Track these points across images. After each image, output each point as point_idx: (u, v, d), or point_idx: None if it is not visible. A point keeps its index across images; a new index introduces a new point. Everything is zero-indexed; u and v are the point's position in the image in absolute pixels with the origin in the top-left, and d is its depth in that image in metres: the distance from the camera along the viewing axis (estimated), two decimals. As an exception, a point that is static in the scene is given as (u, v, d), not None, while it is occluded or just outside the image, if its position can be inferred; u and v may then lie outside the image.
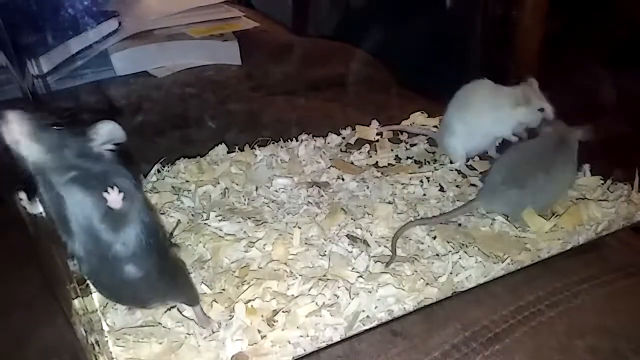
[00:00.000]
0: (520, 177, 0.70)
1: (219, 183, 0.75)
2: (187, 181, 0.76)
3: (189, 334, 0.54)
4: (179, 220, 0.68)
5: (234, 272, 0.61)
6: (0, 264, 0.63)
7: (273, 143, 0.86)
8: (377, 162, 0.85)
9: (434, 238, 0.67)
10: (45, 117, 0.42)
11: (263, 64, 1.16)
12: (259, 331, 0.54)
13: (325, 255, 0.63)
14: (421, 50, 1.14)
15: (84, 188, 0.42)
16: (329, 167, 0.82)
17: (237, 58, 1.12)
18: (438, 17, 1.20)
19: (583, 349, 0.56)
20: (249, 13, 1.25)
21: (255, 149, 0.84)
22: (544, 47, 1.04)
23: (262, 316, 0.55)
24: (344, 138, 0.91)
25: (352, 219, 0.70)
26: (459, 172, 0.82)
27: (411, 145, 0.90)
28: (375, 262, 0.62)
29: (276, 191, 0.76)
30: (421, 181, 0.79)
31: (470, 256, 0.64)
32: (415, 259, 0.63)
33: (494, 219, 0.71)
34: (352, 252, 0.64)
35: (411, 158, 0.86)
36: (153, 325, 0.55)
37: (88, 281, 0.47)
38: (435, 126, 0.94)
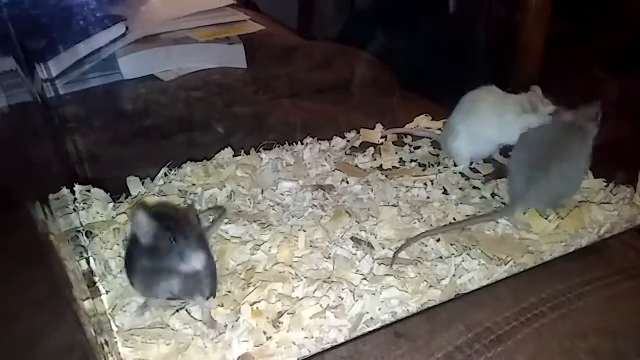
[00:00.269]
0: (545, 168, 0.70)
1: (225, 186, 0.76)
2: (193, 184, 0.77)
3: (196, 336, 0.54)
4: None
5: (240, 274, 0.61)
6: (11, 266, 0.64)
7: (278, 146, 0.86)
8: (381, 165, 0.85)
9: (438, 241, 0.68)
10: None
11: (268, 67, 1.17)
12: (265, 332, 0.55)
13: (329, 257, 0.64)
14: (425, 53, 1.14)
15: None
16: (333, 170, 0.82)
17: (243, 61, 1.13)
18: (442, 21, 1.20)
19: (585, 351, 0.56)
20: (254, 16, 1.26)
21: (260, 152, 0.84)
22: (547, 50, 1.04)
23: (267, 318, 0.56)
24: (348, 141, 0.91)
25: (356, 221, 0.70)
26: (462, 175, 0.83)
27: (415, 148, 0.91)
28: (379, 264, 0.63)
29: (281, 194, 0.76)
30: (425, 184, 0.79)
31: (473, 259, 0.64)
32: (419, 261, 0.64)
33: (497, 222, 0.71)
34: (356, 254, 0.65)
35: (415, 161, 0.87)
36: (161, 327, 0.55)
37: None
38: (439, 129, 0.94)
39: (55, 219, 0.56)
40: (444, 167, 0.85)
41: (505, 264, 0.64)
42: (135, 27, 1.05)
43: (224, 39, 1.14)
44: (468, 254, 0.65)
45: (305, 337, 0.55)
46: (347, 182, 0.80)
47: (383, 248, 0.66)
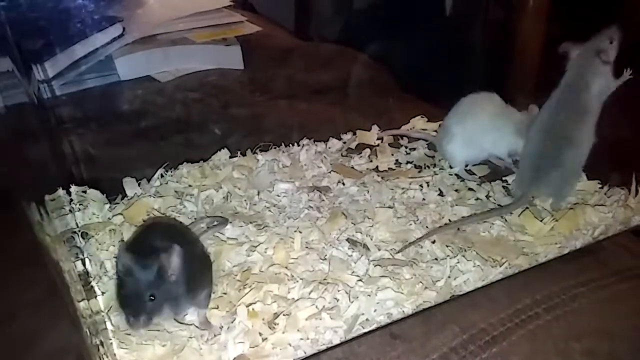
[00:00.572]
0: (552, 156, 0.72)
1: (221, 187, 0.76)
2: (190, 186, 0.77)
3: (191, 337, 0.55)
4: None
5: (236, 275, 0.62)
6: (7, 267, 0.64)
7: (275, 148, 0.87)
8: (377, 166, 0.85)
9: (433, 242, 0.68)
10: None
11: (265, 69, 1.17)
12: (260, 334, 0.55)
13: (325, 259, 0.64)
14: (422, 54, 1.15)
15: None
16: (330, 172, 0.82)
17: (240, 62, 1.13)
18: (439, 22, 1.20)
19: (580, 352, 0.57)
20: (251, 17, 1.26)
21: (257, 153, 0.84)
22: (544, 52, 1.04)
23: (263, 319, 0.56)
24: (344, 143, 0.91)
25: (352, 223, 0.70)
26: (458, 176, 0.83)
27: (411, 150, 0.91)
28: (375, 266, 0.63)
29: (278, 195, 0.76)
30: (421, 186, 0.80)
31: (468, 260, 0.64)
32: (414, 262, 0.64)
33: (492, 223, 0.72)
34: (352, 256, 0.65)
35: (411, 162, 0.87)
36: (158, 330, 0.55)
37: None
38: (435, 131, 0.94)
39: (51, 220, 0.56)
40: (440, 169, 0.85)
41: (501, 266, 0.64)
42: (132, 28, 1.05)
43: (221, 40, 1.14)
44: (463, 256, 0.65)
45: (301, 339, 0.55)
46: (343, 184, 0.80)
47: (379, 249, 0.66)
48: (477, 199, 0.78)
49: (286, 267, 0.62)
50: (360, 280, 0.61)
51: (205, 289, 0.56)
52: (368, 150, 0.89)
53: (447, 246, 0.67)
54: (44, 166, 0.63)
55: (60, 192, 0.65)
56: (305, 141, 0.89)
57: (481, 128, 0.82)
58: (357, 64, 1.19)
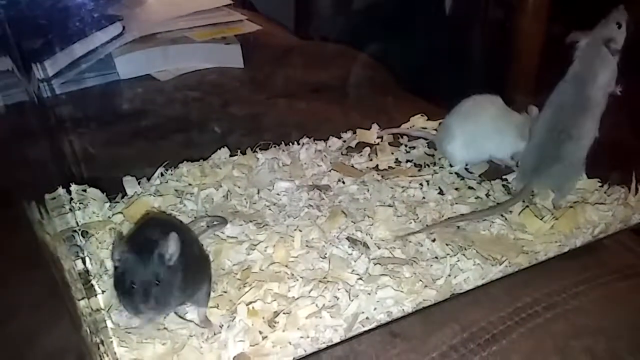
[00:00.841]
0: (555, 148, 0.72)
1: (221, 186, 0.76)
2: (189, 184, 0.77)
3: (192, 336, 0.55)
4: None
5: (236, 274, 0.62)
6: (7, 266, 0.64)
7: (275, 146, 0.87)
8: (377, 165, 0.85)
9: (433, 241, 0.68)
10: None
11: (265, 67, 1.17)
12: (260, 332, 0.55)
13: (325, 257, 0.64)
14: (422, 53, 1.15)
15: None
16: (329, 171, 0.82)
17: (240, 61, 1.14)
18: (439, 21, 1.20)
19: (579, 350, 0.57)
20: (251, 16, 1.26)
21: (257, 152, 0.84)
22: (543, 52, 1.04)
23: (263, 317, 0.56)
24: (344, 141, 0.91)
25: (352, 221, 0.70)
26: (458, 175, 0.83)
27: (411, 148, 0.91)
28: (375, 264, 0.63)
29: (278, 194, 0.76)
30: (421, 184, 0.80)
31: (468, 258, 0.64)
32: (415, 261, 0.64)
33: (493, 222, 0.72)
34: (352, 254, 0.65)
35: (411, 161, 0.87)
36: (158, 329, 0.55)
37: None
38: (435, 129, 0.94)
39: (52, 219, 0.56)
40: (440, 168, 0.85)
41: (500, 264, 0.64)
42: (132, 27, 1.05)
43: (220, 39, 1.14)
44: (463, 254, 0.65)
45: (301, 337, 0.55)
46: (343, 183, 0.80)
47: (379, 248, 0.66)
48: (477, 197, 0.78)
49: (286, 266, 0.62)
50: (360, 278, 0.61)
51: (204, 286, 0.56)
52: (368, 148, 0.89)
53: (447, 244, 0.67)
54: (44, 165, 0.63)
55: (61, 190, 0.65)
56: (305, 140, 0.89)
57: (483, 131, 0.83)
58: (357, 62, 1.19)
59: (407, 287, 0.60)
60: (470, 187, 0.80)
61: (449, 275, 0.62)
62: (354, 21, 1.35)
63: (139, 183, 0.76)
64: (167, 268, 0.52)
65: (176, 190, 0.75)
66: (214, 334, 0.55)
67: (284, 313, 0.56)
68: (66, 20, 0.84)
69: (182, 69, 1.08)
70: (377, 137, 0.93)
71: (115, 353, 0.52)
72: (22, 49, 0.53)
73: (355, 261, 0.64)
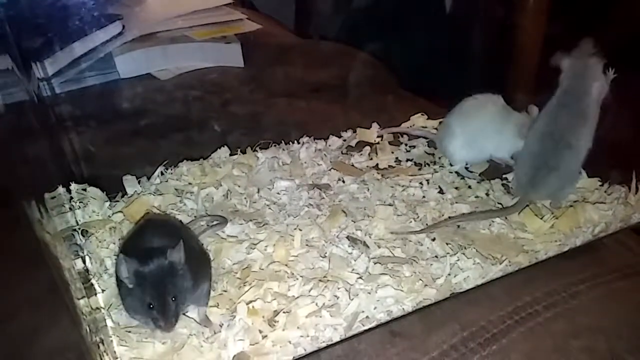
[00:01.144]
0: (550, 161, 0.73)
1: (221, 185, 0.76)
2: (189, 183, 0.77)
3: (191, 335, 0.55)
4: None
5: (236, 273, 0.62)
6: (7, 265, 0.64)
7: (275, 145, 0.87)
8: (377, 164, 0.85)
9: (433, 240, 0.68)
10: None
11: (265, 66, 1.17)
12: (260, 331, 0.55)
13: (325, 256, 0.64)
14: (422, 52, 1.15)
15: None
16: (330, 170, 0.82)
17: (240, 60, 1.14)
18: (439, 20, 1.20)
19: (579, 349, 0.57)
20: (251, 15, 1.26)
21: (257, 151, 0.84)
22: (544, 51, 1.04)
23: (263, 317, 0.56)
24: (344, 140, 0.91)
25: (352, 220, 0.70)
26: (458, 174, 0.83)
27: (411, 147, 0.91)
28: (375, 263, 0.63)
29: (278, 193, 0.76)
30: (421, 183, 0.80)
31: (468, 258, 0.64)
32: (414, 260, 0.64)
33: (493, 221, 0.72)
34: (352, 253, 0.65)
35: (411, 160, 0.87)
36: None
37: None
38: (436, 128, 0.94)
39: (51, 218, 0.56)
40: (440, 167, 0.85)
41: (500, 263, 0.64)
42: (132, 26, 1.05)
43: (221, 38, 1.14)
44: (463, 253, 0.65)
45: (301, 336, 0.55)
46: (344, 182, 0.80)
47: (379, 247, 0.66)
48: (477, 196, 0.78)
49: (286, 265, 0.62)
50: (360, 277, 0.61)
51: (204, 286, 0.56)
52: (368, 147, 0.89)
53: (447, 244, 0.67)
54: (43, 164, 0.63)
55: (60, 190, 0.65)
56: (305, 139, 0.89)
57: (483, 131, 0.83)
58: (357, 61, 1.19)
59: (407, 286, 0.60)
60: (470, 186, 0.80)
61: (449, 275, 0.62)
62: (354, 20, 1.35)
63: (139, 182, 0.76)
64: (179, 278, 0.52)
65: (176, 189, 0.76)
66: (214, 333, 0.55)
67: (284, 312, 0.56)
68: (66, 19, 0.84)
69: (182, 68, 1.08)
70: (377, 136, 0.93)
71: (115, 352, 0.52)
72: (22, 47, 0.53)
73: (355, 260, 0.64)
